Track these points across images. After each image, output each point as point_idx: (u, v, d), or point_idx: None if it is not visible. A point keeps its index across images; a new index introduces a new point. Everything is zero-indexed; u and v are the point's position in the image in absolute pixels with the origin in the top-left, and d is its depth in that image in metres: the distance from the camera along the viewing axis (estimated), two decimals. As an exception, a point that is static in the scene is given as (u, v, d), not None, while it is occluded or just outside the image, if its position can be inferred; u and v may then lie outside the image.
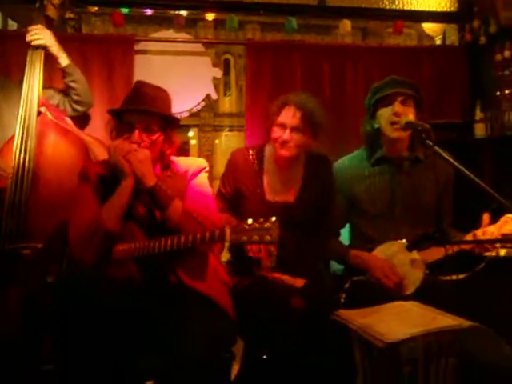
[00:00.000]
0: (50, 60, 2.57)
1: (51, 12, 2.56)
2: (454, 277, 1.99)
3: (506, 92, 3.44)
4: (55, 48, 2.53)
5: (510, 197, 1.98)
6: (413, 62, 3.57)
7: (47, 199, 2.27)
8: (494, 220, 2.18)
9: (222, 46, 16.82)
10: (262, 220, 1.70)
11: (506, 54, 3.39)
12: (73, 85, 2.61)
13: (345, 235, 2.53)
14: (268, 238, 1.68)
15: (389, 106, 2.30)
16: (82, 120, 2.79)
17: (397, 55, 3.59)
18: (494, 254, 2.20)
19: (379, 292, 2.14)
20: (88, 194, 1.96)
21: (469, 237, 2.19)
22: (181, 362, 1.66)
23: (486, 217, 2.19)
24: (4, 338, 2.00)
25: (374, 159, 2.40)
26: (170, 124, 2.04)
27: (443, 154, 2.06)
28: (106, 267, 1.83)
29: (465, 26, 3.66)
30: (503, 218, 2.15)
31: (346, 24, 3.59)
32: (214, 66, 3.76)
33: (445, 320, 1.70)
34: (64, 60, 2.58)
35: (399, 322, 1.72)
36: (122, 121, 2.00)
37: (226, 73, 18.81)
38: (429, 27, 4.37)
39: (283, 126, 2.25)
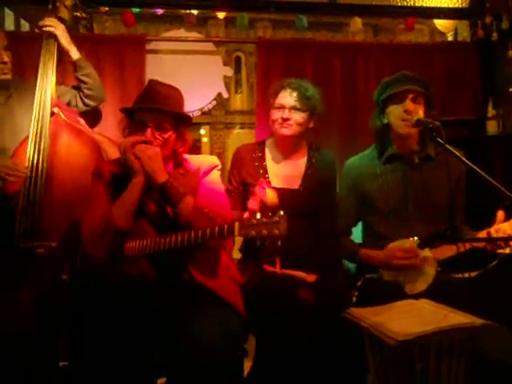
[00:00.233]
0: (62, 57, 2.59)
1: (63, 13, 2.58)
2: (467, 274, 1.99)
3: (519, 89, 3.42)
4: (65, 40, 2.54)
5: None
6: (424, 59, 3.55)
7: (61, 198, 2.30)
8: (508, 217, 2.17)
9: (234, 43, 16.80)
10: (270, 214, 1.71)
11: (519, 50, 3.38)
12: (84, 79, 2.61)
13: (357, 234, 2.53)
14: (276, 231, 1.68)
15: (399, 103, 2.29)
16: (94, 119, 2.81)
17: (408, 52, 3.58)
18: (506, 251, 2.19)
19: (391, 290, 2.15)
20: (100, 192, 1.98)
21: (482, 234, 2.18)
22: (193, 359, 1.67)
23: (500, 214, 2.17)
24: (19, 335, 2.01)
25: (385, 157, 2.39)
26: (182, 122, 2.04)
27: (454, 151, 2.05)
28: (118, 264, 1.85)
29: (477, 22, 3.62)
30: (516, 215, 2.14)
31: (357, 22, 3.58)
32: (225, 64, 3.77)
33: (457, 318, 1.70)
34: (75, 53, 2.60)
35: (411, 319, 1.72)
36: (135, 119, 2.01)
37: (237, 70, 18.79)
38: (440, 23, 4.34)
39: (282, 107, 2.38)
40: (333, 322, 1.96)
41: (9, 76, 2.53)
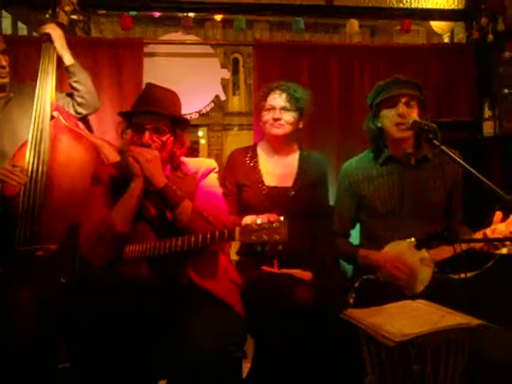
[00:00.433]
0: (60, 63, 2.58)
1: (63, 19, 2.59)
2: (463, 275, 1.99)
3: (515, 90, 3.44)
4: (59, 43, 2.53)
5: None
6: (420, 61, 3.57)
7: (60, 202, 2.31)
8: (504, 218, 2.18)
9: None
10: (271, 219, 1.72)
11: (515, 51, 3.40)
12: (76, 86, 2.57)
13: (355, 235, 2.54)
14: (277, 237, 1.70)
15: (392, 107, 2.31)
16: (92, 122, 2.81)
17: (404, 54, 3.59)
18: (503, 251, 2.20)
19: (388, 291, 2.15)
20: (99, 195, 1.99)
21: (479, 235, 2.19)
22: (192, 361, 1.68)
23: (498, 214, 2.18)
24: (18, 338, 2.02)
25: (381, 160, 2.41)
26: (179, 125, 2.05)
27: (450, 153, 2.06)
28: (117, 267, 1.86)
29: (472, 24, 3.64)
30: (512, 217, 2.15)
31: (354, 24, 3.60)
32: (223, 67, 3.79)
33: (454, 318, 1.71)
34: (68, 58, 2.57)
35: (408, 320, 1.73)
36: (133, 123, 2.01)
37: (235, 72, 18.79)
38: (437, 25, 4.36)
39: (272, 108, 2.45)
40: (330, 322, 1.97)
41: (7, 80, 2.53)
